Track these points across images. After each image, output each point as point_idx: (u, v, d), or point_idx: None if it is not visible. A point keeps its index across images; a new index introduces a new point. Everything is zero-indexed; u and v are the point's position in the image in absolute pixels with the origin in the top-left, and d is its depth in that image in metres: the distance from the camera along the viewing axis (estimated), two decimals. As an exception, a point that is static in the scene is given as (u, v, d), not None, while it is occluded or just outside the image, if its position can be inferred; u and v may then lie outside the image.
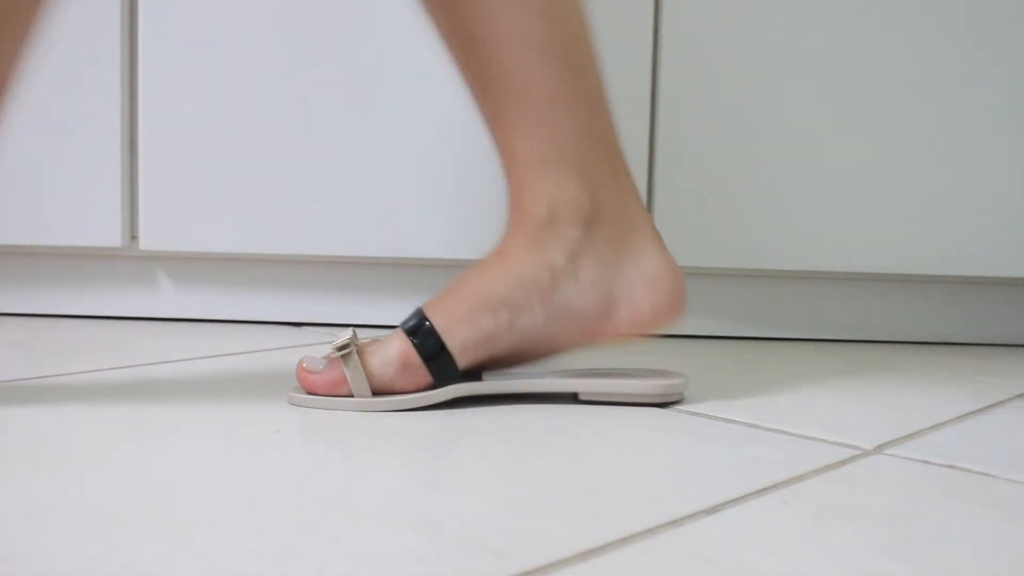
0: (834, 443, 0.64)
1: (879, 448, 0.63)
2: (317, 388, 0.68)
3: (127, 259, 1.01)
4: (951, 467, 0.60)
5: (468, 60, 0.69)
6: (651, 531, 0.47)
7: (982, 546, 0.47)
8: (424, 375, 0.68)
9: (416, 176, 0.97)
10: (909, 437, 0.66)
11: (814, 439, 0.65)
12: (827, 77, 0.96)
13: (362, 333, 0.99)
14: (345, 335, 0.69)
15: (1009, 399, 0.79)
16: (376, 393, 0.68)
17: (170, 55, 0.96)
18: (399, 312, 1.02)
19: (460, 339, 0.68)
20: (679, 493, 0.53)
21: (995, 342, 1.04)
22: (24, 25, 0.64)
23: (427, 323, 0.69)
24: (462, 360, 0.68)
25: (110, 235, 0.98)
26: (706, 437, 0.64)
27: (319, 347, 0.91)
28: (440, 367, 0.68)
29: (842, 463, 0.60)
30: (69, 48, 0.96)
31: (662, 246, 0.72)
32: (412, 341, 0.68)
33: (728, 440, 0.64)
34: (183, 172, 0.97)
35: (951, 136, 0.97)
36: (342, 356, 0.68)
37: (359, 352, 0.68)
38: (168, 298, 1.02)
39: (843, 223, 0.98)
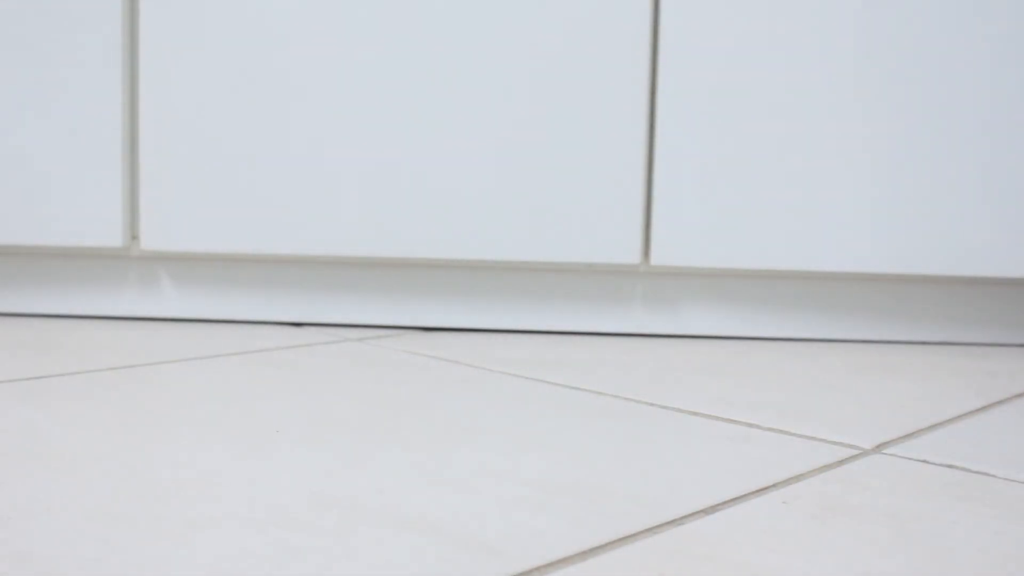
0: (834, 443, 0.64)
1: (879, 448, 0.63)
2: None
3: (128, 259, 1.01)
4: (951, 467, 0.60)
5: None
6: (651, 531, 0.47)
7: (982, 546, 0.47)
8: None
9: (416, 176, 0.98)
10: (909, 437, 0.66)
11: (814, 439, 0.65)
12: (826, 76, 0.96)
13: (361, 333, 1.00)
14: None
15: (1009, 399, 0.79)
16: None
17: (171, 52, 0.96)
18: (398, 312, 1.03)
19: None
20: (679, 493, 0.53)
21: (995, 342, 1.04)
22: None
23: None
24: None
25: (111, 235, 0.98)
26: (706, 437, 0.64)
27: (319, 347, 0.91)
28: None
29: (842, 463, 0.60)
30: (69, 45, 0.96)
31: None
32: None
33: (728, 440, 0.64)
34: (184, 171, 0.98)
35: (951, 135, 0.97)
36: None
37: None
38: (169, 298, 1.02)
39: (843, 223, 0.98)
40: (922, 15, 0.96)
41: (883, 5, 0.96)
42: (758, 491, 0.54)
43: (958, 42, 0.96)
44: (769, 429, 0.67)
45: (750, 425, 0.68)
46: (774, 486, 0.55)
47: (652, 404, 0.73)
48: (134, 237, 0.99)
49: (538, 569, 0.43)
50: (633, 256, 0.98)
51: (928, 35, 0.96)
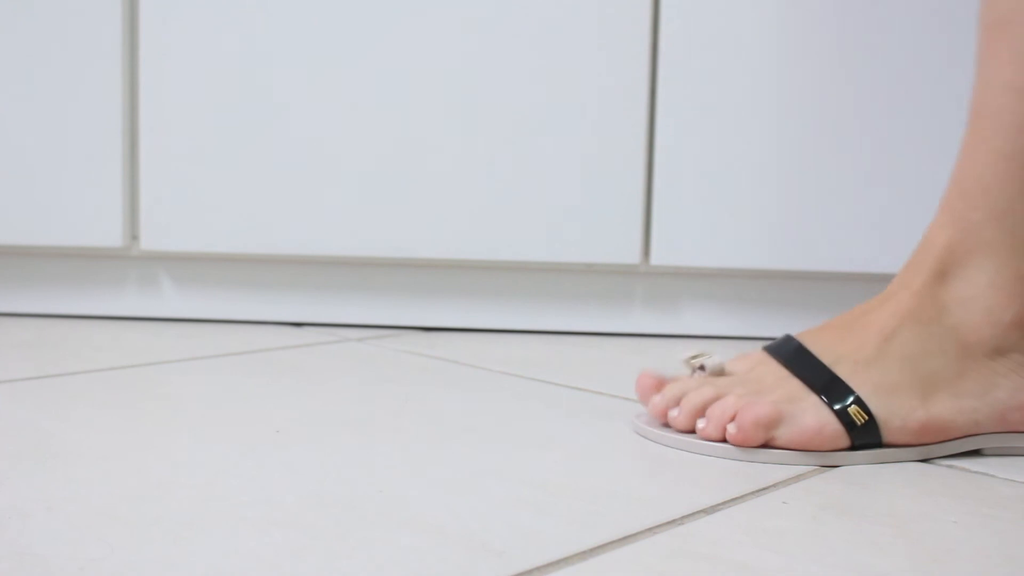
0: (834, 443, 0.64)
1: (879, 448, 0.63)
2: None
3: (128, 259, 1.01)
4: (951, 467, 0.60)
5: None
6: (651, 531, 0.47)
7: (982, 546, 0.47)
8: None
9: (416, 176, 0.98)
10: (909, 437, 0.66)
11: (814, 439, 0.65)
12: (826, 76, 0.96)
13: (361, 333, 1.00)
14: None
15: (1009, 399, 0.79)
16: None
17: (171, 51, 0.96)
18: (399, 312, 1.03)
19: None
20: (679, 493, 0.53)
21: (995, 342, 1.04)
22: None
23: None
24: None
25: (111, 235, 0.98)
26: (706, 437, 0.64)
27: (319, 347, 0.91)
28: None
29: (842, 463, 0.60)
30: (69, 44, 0.96)
31: None
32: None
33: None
34: (184, 171, 0.98)
35: (950, 135, 0.97)
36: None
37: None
38: (169, 298, 1.02)
39: (844, 223, 0.98)
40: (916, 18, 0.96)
41: (861, 9, 0.96)
42: (758, 491, 0.54)
43: (959, 37, 0.96)
44: (769, 429, 0.67)
45: (750, 425, 0.67)
46: (774, 486, 0.55)
47: (652, 404, 0.73)
48: (134, 237, 0.99)
49: (538, 569, 0.43)
50: (633, 256, 0.98)
51: (925, 35, 0.96)
